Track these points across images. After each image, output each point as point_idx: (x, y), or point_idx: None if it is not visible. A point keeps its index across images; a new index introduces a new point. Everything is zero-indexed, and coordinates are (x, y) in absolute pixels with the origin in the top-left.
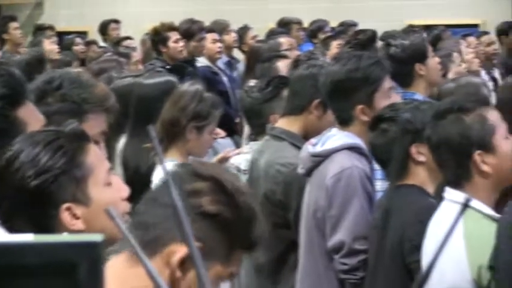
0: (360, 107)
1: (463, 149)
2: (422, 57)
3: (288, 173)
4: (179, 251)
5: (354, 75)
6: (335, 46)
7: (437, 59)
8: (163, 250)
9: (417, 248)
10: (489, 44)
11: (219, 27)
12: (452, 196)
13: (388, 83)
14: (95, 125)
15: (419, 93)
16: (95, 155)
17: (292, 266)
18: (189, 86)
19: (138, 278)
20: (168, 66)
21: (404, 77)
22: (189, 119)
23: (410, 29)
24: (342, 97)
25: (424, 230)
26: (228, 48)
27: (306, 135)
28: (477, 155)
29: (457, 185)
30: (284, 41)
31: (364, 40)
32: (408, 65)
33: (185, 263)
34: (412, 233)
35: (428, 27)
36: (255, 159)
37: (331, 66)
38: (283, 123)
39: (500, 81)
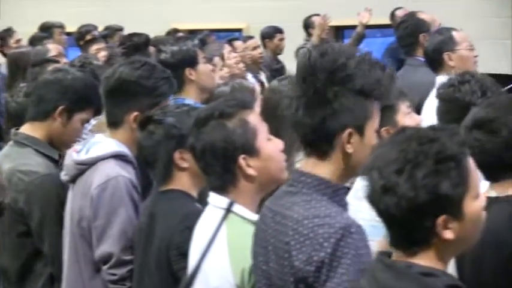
0: (135, 114)
1: (228, 154)
2: (192, 63)
3: (30, 182)
4: None
5: (144, 82)
6: (94, 50)
7: (209, 65)
8: None
9: (184, 255)
10: (255, 48)
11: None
12: (216, 201)
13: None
14: None
15: (190, 98)
16: None
17: (38, 274)
18: None
19: None
20: None
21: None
22: None
23: (174, 32)
24: (122, 98)
25: (191, 236)
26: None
27: (52, 141)
28: (242, 159)
29: (222, 190)
30: (52, 47)
31: (138, 43)
32: (178, 70)
33: None
34: (179, 240)
35: (193, 32)
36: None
37: (121, 67)
38: (27, 129)
39: (266, 84)
